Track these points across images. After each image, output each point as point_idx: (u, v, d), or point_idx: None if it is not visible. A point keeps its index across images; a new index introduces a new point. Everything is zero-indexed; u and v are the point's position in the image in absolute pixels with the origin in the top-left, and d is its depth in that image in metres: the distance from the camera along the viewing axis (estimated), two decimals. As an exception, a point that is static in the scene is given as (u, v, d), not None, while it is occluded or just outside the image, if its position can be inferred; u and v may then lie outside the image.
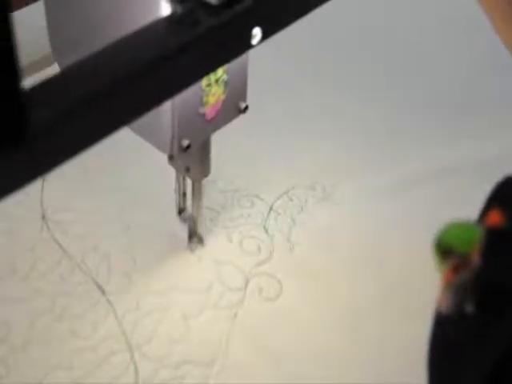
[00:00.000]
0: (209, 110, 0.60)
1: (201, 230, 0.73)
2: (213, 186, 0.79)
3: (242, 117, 0.86)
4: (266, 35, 0.48)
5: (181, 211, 0.73)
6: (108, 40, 0.42)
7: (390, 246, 0.74)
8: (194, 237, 0.73)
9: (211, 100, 0.59)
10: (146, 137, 0.60)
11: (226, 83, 0.59)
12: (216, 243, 0.74)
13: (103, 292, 0.69)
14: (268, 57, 0.88)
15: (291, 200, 0.79)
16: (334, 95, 0.91)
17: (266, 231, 0.75)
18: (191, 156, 0.64)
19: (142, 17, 0.46)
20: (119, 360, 0.64)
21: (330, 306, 0.69)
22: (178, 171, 0.68)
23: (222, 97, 0.60)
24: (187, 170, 0.67)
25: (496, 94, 0.92)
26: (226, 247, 0.73)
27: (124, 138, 0.81)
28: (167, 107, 0.56)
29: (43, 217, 0.75)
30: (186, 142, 0.59)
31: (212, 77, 0.57)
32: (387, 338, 0.67)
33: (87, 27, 0.56)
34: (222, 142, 0.83)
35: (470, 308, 0.40)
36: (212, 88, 0.58)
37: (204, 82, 0.57)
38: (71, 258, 0.72)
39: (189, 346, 0.65)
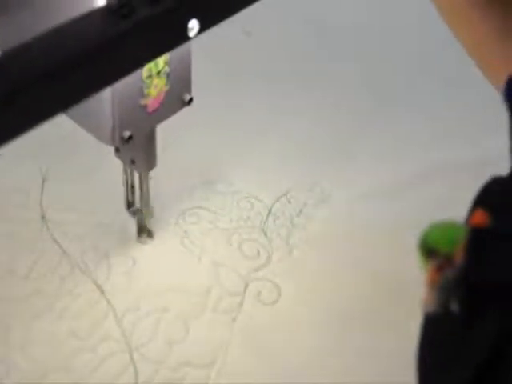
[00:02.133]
0: (151, 102, 0.60)
1: (149, 223, 0.72)
2: (212, 187, 0.80)
3: (241, 120, 0.87)
4: (203, 28, 0.48)
5: (130, 205, 0.72)
6: (48, 26, 0.42)
7: (389, 248, 0.74)
8: (144, 231, 0.73)
9: (153, 92, 0.59)
10: (89, 129, 0.60)
11: (168, 75, 0.59)
12: (215, 245, 0.74)
13: (102, 292, 0.69)
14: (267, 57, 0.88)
15: (290, 202, 0.79)
16: (332, 95, 0.92)
17: (265, 234, 0.76)
18: (136, 148, 0.64)
19: (81, 5, 0.46)
20: (118, 361, 0.64)
21: (327, 309, 0.69)
22: (124, 164, 0.68)
23: (165, 88, 0.60)
24: (132, 162, 0.66)
25: (496, 94, 0.92)
26: (226, 249, 0.74)
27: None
28: (107, 98, 0.56)
29: (43, 217, 0.75)
30: (127, 134, 0.59)
31: (153, 68, 0.58)
32: (385, 339, 0.67)
33: (29, 12, 0.55)
34: (220, 144, 0.84)
35: (454, 307, 0.41)
36: (153, 80, 0.58)
37: (144, 73, 0.57)
38: (71, 258, 0.72)
39: (188, 347, 0.66)
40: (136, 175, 0.69)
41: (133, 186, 0.71)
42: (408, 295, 0.69)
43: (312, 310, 0.69)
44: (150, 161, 0.67)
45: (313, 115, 0.89)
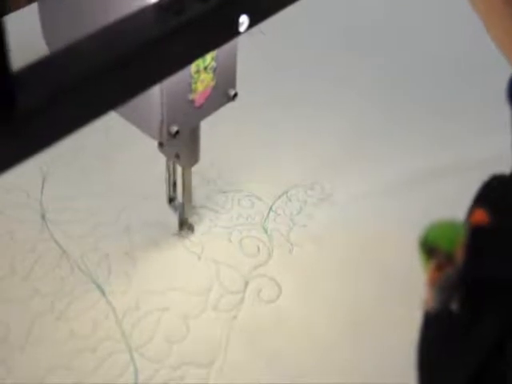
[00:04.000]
0: (197, 97, 0.60)
1: (191, 218, 0.73)
2: (213, 186, 0.80)
3: (241, 118, 0.87)
4: (253, 23, 0.48)
5: (171, 200, 0.73)
6: (97, 26, 0.42)
7: (389, 247, 0.74)
8: (185, 225, 0.74)
9: (200, 87, 0.59)
10: (136, 123, 0.60)
11: (214, 70, 0.60)
12: (216, 243, 0.74)
13: (103, 292, 0.69)
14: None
15: (290, 200, 0.79)
16: (333, 94, 0.92)
17: (266, 232, 0.75)
18: (181, 143, 0.65)
19: (131, 3, 0.46)
20: (119, 360, 0.64)
21: (328, 307, 0.69)
22: (167, 158, 0.69)
23: (211, 83, 0.60)
24: (177, 156, 0.67)
25: (496, 94, 0.92)
26: (226, 248, 0.74)
27: (125, 139, 0.83)
28: (156, 94, 0.57)
29: (43, 217, 0.75)
30: (174, 128, 0.59)
31: (201, 64, 0.58)
32: (386, 338, 0.67)
33: (77, 12, 0.56)
34: (221, 143, 0.84)
35: (455, 306, 0.40)
36: (201, 75, 0.59)
37: (193, 68, 0.57)
38: (71, 258, 0.72)
39: (188, 346, 0.65)
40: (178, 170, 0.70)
41: (175, 182, 0.72)
42: (410, 293, 0.69)
43: (312, 308, 0.69)
44: (193, 156, 0.67)
45: (314, 114, 0.89)
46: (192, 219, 0.74)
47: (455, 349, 0.41)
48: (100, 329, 0.66)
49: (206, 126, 0.84)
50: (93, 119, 0.42)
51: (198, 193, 0.79)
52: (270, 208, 0.78)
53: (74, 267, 0.71)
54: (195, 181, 0.79)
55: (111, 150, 0.82)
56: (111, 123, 0.83)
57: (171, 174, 0.71)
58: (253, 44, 0.95)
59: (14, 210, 0.75)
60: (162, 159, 0.72)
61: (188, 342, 0.66)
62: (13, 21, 0.92)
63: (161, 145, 0.66)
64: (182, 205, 0.72)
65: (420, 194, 0.80)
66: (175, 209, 0.73)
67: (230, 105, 0.88)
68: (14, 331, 0.66)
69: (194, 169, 0.80)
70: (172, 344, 0.66)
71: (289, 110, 0.89)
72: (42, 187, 0.78)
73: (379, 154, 0.85)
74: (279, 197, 0.79)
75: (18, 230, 0.74)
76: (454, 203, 0.76)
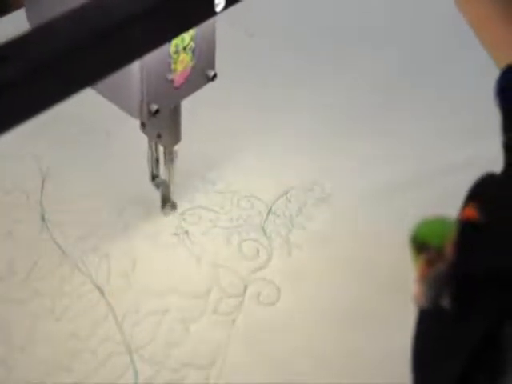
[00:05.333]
0: (177, 77, 0.61)
1: (174, 196, 0.75)
2: (212, 187, 0.80)
3: (241, 119, 0.87)
4: (229, 3, 0.49)
5: (154, 177, 0.74)
6: (76, 4, 0.43)
7: (389, 248, 0.74)
8: (168, 202, 0.75)
9: (179, 67, 0.61)
10: (117, 102, 0.62)
11: (193, 51, 0.61)
12: (215, 246, 0.74)
13: (102, 293, 0.69)
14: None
15: (290, 201, 0.79)
16: (334, 94, 0.92)
17: (265, 233, 0.76)
18: (162, 122, 0.67)
19: None
20: (119, 362, 0.64)
21: (328, 309, 0.69)
22: (150, 138, 0.70)
23: (190, 64, 0.62)
24: (158, 136, 0.69)
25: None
26: (225, 250, 0.74)
27: (125, 139, 0.83)
28: (136, 73, 0.58)
29: (43, 218, 0.75)
30: (154, 107, 0.61)
31: (180, 44, 0.59)
32: (387, 339, 0.67)
33: None
34: (220, 143, 0.84)
35: (445, 301, 0.41)
36: (180, 55, 0.60)
37: (172, 49, 0.59)
38: (71, 258, 0.72)
39: (188, 349, 0.66)
40: (160, 150, 0.72)
41: (157, 159, 0.73)
42: (410, 295, 0.70)
43: (312, 311, 0.69)
44: (175, 135, 0.69)
45: (314, 114, 0.89)
46: (174, 197, 0.76)
47: (446, 344, 0.41)
48: (100, 330, 0.66)
49: (205, 128, 0.85)
50: (71, 94, 0.42)
51: (198, 194, 0.79)
52: (270, 209, 0.78)
53: (74, 268, 0.71)
54: (194, 182, 0.80)
55: (111, 150, 0.82)
56: (111, 124, 0.84)
57: (154, 151, 0.72)
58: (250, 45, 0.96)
59: (14, 211, 0.75)
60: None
61: (188, 344, 0.66)
62: (13, 20, 0.93)
63: (143, 125, 0.68)
64: (165, 183, 0.73)
65: (420, 195, 0.80)
66: (157, 186, 0.74)
67: (226, 106, 0.89)
68: (14, 332, 0.66)
69: (193, 170, 0.81)
70: (172, 346, 0.66)
71: (288, 110, 0.89)
72: (42, 188, 0.78)
73: (379, 155, 0.85)
74: (279, 198, 0.79)
75: (18, 230, 0.74)
76: (453, 203, 0.76)
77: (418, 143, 0.86)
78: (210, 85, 0.84)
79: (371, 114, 0.90)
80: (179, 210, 0.77)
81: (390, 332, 0.67)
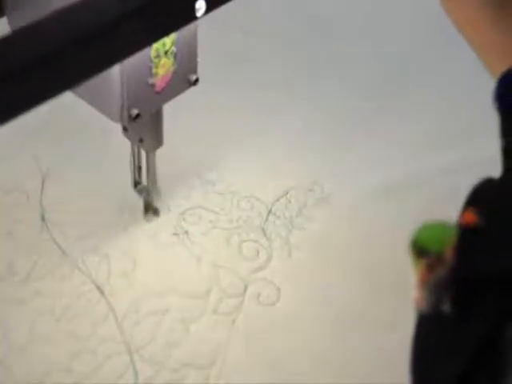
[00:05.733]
0: (158, 81, 0.61)
1: (156, 202, 0.75)
2: (212, 187, 0.80)
3: (240, 119, 0.87)
4: (210, 8, 0.50)
5: (136, 184, 0.74)
6: (58, 5, 0.43)
7: (390, 248, 0.74)
8: (150, 209, 0.75)
9: (161, 71, 0.61)
10: (98, 106, 0.62)
11: (175, 55, 0.61)
12: (215, 246, 0.74)
13: (102, 293, 0.69)
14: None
15: (290, 202, 0.79)
16: (334, 94, 0.92)
17: (265, 234, 0.76)
18: (143, 127, 0.67)
19: None
20: (119, 362, 0.64)
21: (327, 310, 0.70)
22: (132, 143, 0.70)
23: (172, 68, 0.62)
24: (140, 140, 0.69)
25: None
26: (226, 251, 0.74)
27: (124, 139, 0.83)
28: (117, 77, 0.58)
29: (43, 218, 0.75)
30: (135, 112, 0.61)
31: (161, 48, 0.59)
32: (387, 340, 0.67)
33: None
34: (220, 144, 0.84)
35: (446, 306, 0.41)
36: (161, 59, 0.60)
37: (153, 53, 0.59)
38: (71, 258, 0.72)
39: (188, 349, 0.66)
40: (143, 154, 0.72)
41: (140, 166, 0.73)
42: (410, 295, 0.70)
43: (312, 311, 0.69)
44: (157, 140, 0.69)
45: (313, 114, 0.89)
46: (157, 204, 0.76)
47: (446, 347, 0.41)
48: (100, 330, 0.67)
49: (205, 128, 0.85)
50: (51, 97, 0.42)
51: (197, 194, 0.79)
52: (270, 210, 0.78)
53: (74, 268, 0.71)
54: (194, 182, 0.80)
55: (111, 150, 0.82)
56: (111, 124, 0.84)
57: (136, 158, 0.72)
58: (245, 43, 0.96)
59: (14, 211, 0.76)
60: (162, 159, 0.73)
61: (188, 344, 0.66)
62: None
63: (125, 129, 0.68)
64: (147, 188, 0.73)
65: (420, 195, 0.80)
66: (140, 193, 0.74)
67: (226, 107, 0.88)
68: (14, 332, 0.66)
69: (193, 170, 0.81)
70: (172, 346, 0.66)
71: (287, 111, 0.89)
72: (42, 188, 0.78)
73: (379, 156, 0.85)
74: (279, 198, 0.79)
75: (18, 230, 0.74)
76: (453, 203, 0.76)
77: (418, 143, 0.86)
78: (209, 86, 0.84)
79: (371, 114, 0.90)
80: (179, 210, 0.77)
81: (390, 332, 0.67)
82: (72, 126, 0.85)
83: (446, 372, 0.41)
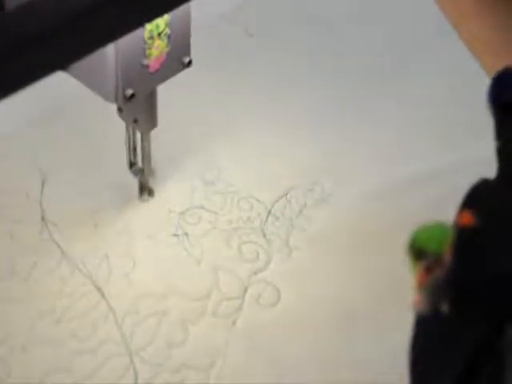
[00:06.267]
0: (152, 62, 0.62)
1: (151, 182, 0.76)
2: (212, 188, 0.80)
3: (241, 120, 0.86)
4: None
5: (132, 165, 0.75)
6: None
7: (390, 248, 0.74)
8: (145, 189, 0.75)
9: (155, 53, 0.62)
10: (93, 87, 0.63)
11: (168, 37, 0.62)
12: (215, 248, 0.74)
13: (103, 294, 0.69)
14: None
15: (289, 203, 0.79)
16: (334, 94, 0.92)
17: (265, 235, 0.76)
18: (138, 107, 0.68)
19: None
20: (119, 363, 0.65)
21: (327, 311, 0.70)
22: (126, 124, 0.71)
23: (166, 50, 0.63)
24: (135, 121, 0.70)
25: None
26: (225, 252, 0.74)
27: (123, 139, 0.83)
28: (111, 58, 0.59)
29: (43, 218, 0.75)
30: (129, 92, 0.62)
31: (154, 30, 0.60)
32: (387, 340, 0.67)
33: None
34: (220, 144, 0.84)
35: (444, 307, 0.41)
36: (155, 41, 0.61)
37: (146, 34, 0.60)
38: (71, 259, 0.72)
39: (188, 350, 0.66)
40: (138, 136, 0.73)
41: (135, 147, 0.74)
42: (409, 296, 0.70)
43: (312, 312, 0.69)
44: (151, 120, 0.70)
45: (313, 114, 0.89)
46: (152, 184, 0.76)
47: (445, 349, 0.41)
48: (100, 331, 0.67)
49: (205, 129, 0.85)
50: (44, 76, 0.42)
51: (198, 194, 0.79)
52: (269, 211, 0.78)
53: (74, 268, 0.71)
54: (194, 182, 0.80)
55: (111, 150, 0.82)
56: (111, 124, 0.84)
57: (131, 139, 0.73)
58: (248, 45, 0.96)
59: (14, 211, 0.75)
60: (162, 160, 0.73)
61: (188, 346, 0.66)
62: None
63: (120, 110, 0.69)
64: (142, 169, 0.74)
65: (420, 195, 0.80)
66: (135, 173, 0.75)
67: (226, 107, 0.88)
68: (14, 332, 0.66)
69: (193, 170, 0.81)
70: (172, 348, 0.66)
71: (288, 110, 0.89)
72: (42, 188, 0.78)
73: (379, 156, 0.85)
74: (278, 199, 0.79)
75: (18, 231, 0.74)
76: (453, 203, 0.76)
77: (418, 143, 0.86)
78: (209, 84, 0.85)
79: (371, 114, 0.90)
80: (179, 209, 0.77)
81: (390, 333, 0.67)
82: (72, 126, 0.85)
83: (445, 373, 0.41)
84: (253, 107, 0.89)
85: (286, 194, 0.80)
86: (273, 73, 0.94)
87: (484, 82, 0.55)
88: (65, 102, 0.85)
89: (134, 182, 0.78)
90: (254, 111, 0.88)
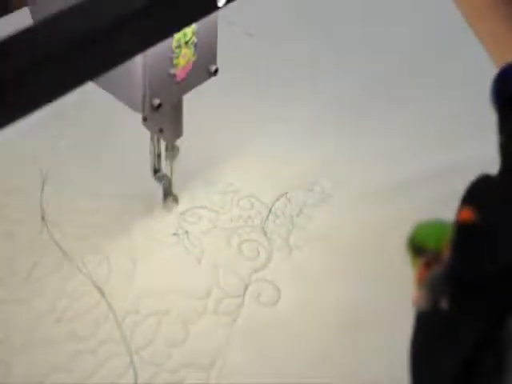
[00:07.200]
0: (179, 72, 0.62)
1: (175, 189, 0.76)
2: (213, 187, 0.80)
3: (241, 119, 0.87)
4: None
5: (156, 171, 0.75)
6: None
7: (389, 249, 0.74)
8: (169, 196, 0.76)
9: (181, 62, 0.61)
10: (120, 97, 0.62)
11: (195, 45, 0.62)
12: (215, 246, 0.74)
13: (103, 294, 0.69)
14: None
15: (290, 202, 0.79)
16: (334, 95, 0.92)
17: (265, 234, 0.76)
18: (164, 117, 0.67)
19: None
20: (119, 363, 0.64)
21: (328, 309, 0.69)
22: (152, 133, 0.71)
23: (192, 59, 0.62)
24: (161, 131, 0.69)
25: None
26: (226, 251, 0.74)
27: (125, 138, 0.83)
28: (139, 68, 0.59)
29: (43, 218, 0.75)
30: (156, 102, 0.61)
31: (182, 39, 0.60)
32: (387, 339, 0.67)
33: None
34: (220, 144, 0.84)
35: (444, 303, 0.41)
36: (182, 50, 0.61)
37: (174, 43, 0.60)
38: (71, 259, 0.72)
39: (188, 349, 0.66)
40: (162, 144, 0.73)
41: (159, 155, 0.74)
42: (409, 294, 0.70)
43: (312, 311, 0.69)
44: (177, 130, 0.70)
45: (314, 114, 0.89)
46: (176, 192, 0.76)
47: (445, 345, 0.41)
48: (100, 331, 0.67)
49: (205, 128, 0.85)
50: (72, 88, 0.43)
51: (198, 194, 0.79)
52: (270, 210, 0.78)
53: (74, 268, 0.71)
54: (194, 182, 0.80)
55: (111, 150, 0.82)
56: (111, 124, 0.84)
57: (156, 146, 0.73)
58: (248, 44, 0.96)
59: (14, 211, 0.75)
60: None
61: (188, 345, 0.66)
62: (15, 19, 0.93)
63: (145, 119, 0.69)
64: (166, 177, 0.74)
65: (420, 195, 0.80)
66: (159, 180, 0.75)
67: (226, 107, 0.89)
68: (15, 332, 0.66)
69: (193, 170, 0.81)
70: (172, 347, 0.66)
71: (287, 111, 0.89)
72: (42, 188, 0.78)
73: (379, 156, 0.85)
74: (279, 198, 0.79)
75: (18, 231, 0.74)
76: (454, 202, 0.76)
77: (418, 143, 0.86)
78: (210, 85, 0.84)
79: (372, 114, 0.90)
80: (179, 209, 0.77)
81: (391, 332, 0.67)
82: (72, 126, 0.85)
83: (445, 369, 0.41)
84: (253, 107, 0.89)
85: (287, 193, 0.80)
86: (273, 73, 0.94)
87: (487, 81, 0.55)
88: (65, 102, 0.84)
89: (134, 182, 0.78)
90: (254, 111, 0.88)
